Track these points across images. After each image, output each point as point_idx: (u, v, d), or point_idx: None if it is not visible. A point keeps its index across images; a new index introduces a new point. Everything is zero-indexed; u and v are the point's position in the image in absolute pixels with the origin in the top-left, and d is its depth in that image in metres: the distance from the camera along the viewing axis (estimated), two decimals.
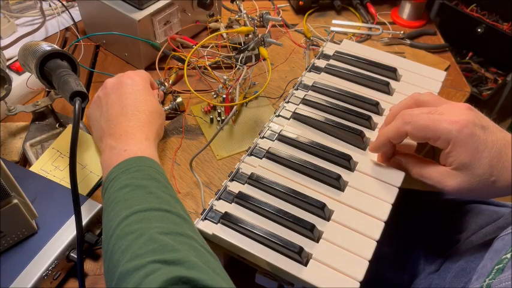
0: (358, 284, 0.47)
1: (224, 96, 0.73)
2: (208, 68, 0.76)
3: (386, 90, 0.67)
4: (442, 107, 0.52)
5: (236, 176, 0.57)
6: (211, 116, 0.74)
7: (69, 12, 0.93)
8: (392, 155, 0.57)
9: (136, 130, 0.59)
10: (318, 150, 0.58)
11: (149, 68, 0.83)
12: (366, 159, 0.58)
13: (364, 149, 0.60)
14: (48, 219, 0.56)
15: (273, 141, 0.61)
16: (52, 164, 0.65)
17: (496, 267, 0.44)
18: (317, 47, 0.85)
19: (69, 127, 0.70)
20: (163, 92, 0.76)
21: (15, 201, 0.51)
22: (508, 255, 0.44)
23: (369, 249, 0.49)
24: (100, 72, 0.83)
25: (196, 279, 0.39)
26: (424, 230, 0.68)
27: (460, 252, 0.59)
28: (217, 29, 0.90)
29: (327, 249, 0.50)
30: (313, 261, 0.49)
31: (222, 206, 0.54)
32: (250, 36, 0.84)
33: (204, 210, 0.53)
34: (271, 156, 0.58)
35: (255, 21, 0.82)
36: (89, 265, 0.58)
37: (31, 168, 0.65)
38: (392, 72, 0.69)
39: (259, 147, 0.60)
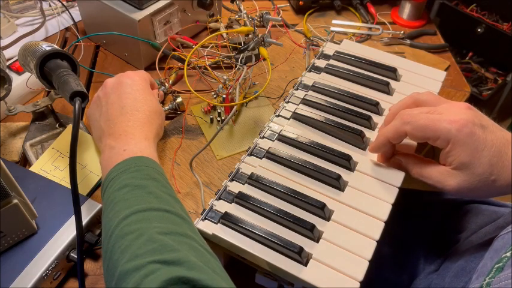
0: (358, 284, 0.47)
1: (224, 96, 0.73)
2: (208, 68, 0.76)
3: (387, 90, 0.67)
4: (441, 107, 0.52)
5: (236, 176, 0.57)
6: (211, 116, 0.74)
7: (69, 12, 0.93)
8: (392, 155, 0.57)
9: (135, 130, 0.58)
10: (318, 150, 0.58)
11: (149, 68, 0.83)
12: (366, 159, 0.58)
13: (364, 149, 0.60)
14: (48, 219, 0.56)
15: (273, 141, 0.61)
16: (52, 164, 0.65)
17: (496, 265, 0.44)
18: (317, 47, 0.85)
19: (69, 127, 0.70)
20: (163, 92, 0.76)
21: (15, 201, 0.51)
22: (508, 254, 0.44)
23: (369, 249, 0.49)
24: (100, 72, 0.83)
25: (196, 279, 0.39)
26: (424, 230, 0.68)
27: (460, 252, 0.59)
28: (217, 29, 0.90)
29: (327, 249, 0.50)
30: (313, 261, 0.49)
31: (222, 206, 0.54)
32: (250, 36, 0.84)
33: (204, 210, 0.53)
34: (271, 156, 0.58)
35: (255, 21, 0.82)
36: (89, 265, 0.58)
37: (31, 168, 0.65)
38: (392, 72, 0.69)
39: (259, 147, 0.60)
